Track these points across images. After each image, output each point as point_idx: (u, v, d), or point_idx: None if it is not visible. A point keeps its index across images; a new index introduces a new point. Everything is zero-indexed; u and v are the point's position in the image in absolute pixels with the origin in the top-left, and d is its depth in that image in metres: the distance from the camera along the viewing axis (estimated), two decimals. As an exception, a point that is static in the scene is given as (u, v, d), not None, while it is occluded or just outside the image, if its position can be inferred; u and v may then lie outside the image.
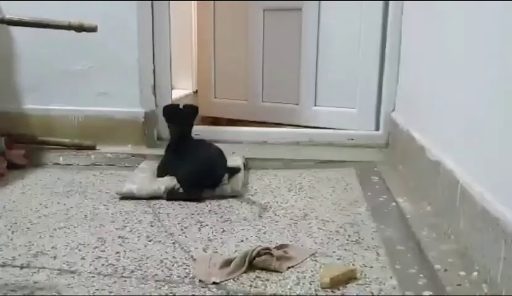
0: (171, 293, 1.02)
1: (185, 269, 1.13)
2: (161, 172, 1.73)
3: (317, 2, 2.39)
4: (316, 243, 1.26)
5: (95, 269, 1.12)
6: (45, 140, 2.10)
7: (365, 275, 1.10)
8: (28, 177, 1.80)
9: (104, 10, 2.03)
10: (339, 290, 1.04)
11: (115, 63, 2.12)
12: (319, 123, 2.43)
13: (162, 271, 1.12)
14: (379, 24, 2.19)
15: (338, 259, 1.18)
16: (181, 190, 1.59)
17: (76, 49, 2.09)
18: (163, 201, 1.56)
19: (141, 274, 1.10)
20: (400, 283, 1.06)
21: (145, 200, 1.56)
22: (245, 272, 1.10)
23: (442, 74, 1.48)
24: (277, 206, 1.53)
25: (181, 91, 3.25)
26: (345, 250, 1.22)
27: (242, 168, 1.82)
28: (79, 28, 1.64)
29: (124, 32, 2.09)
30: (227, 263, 1.12)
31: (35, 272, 1.11)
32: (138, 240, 1.28)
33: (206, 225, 1.38)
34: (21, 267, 1.13)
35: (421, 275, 1.09)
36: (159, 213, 1.47)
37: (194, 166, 1.60)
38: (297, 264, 1.14)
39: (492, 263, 1.00)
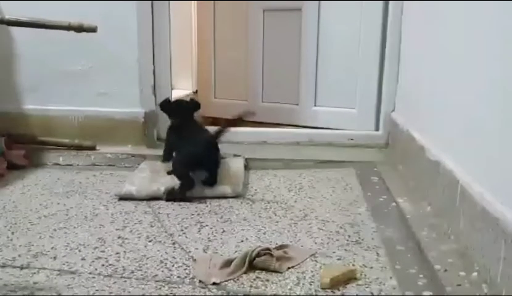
0: (171, 293, 1.02)
1: (185, 269, 1.13)
2: (166, 155, 1.77)
3: (317, 2, 2.39)
4: (316, 243, 1.26)
5: (95, 269, 1.12)
6: (45, 141, 2.10)
7: (365, 275, 1.10)
8: (27, 177, 1.80)
9: (104, 10, 2.04)
10: (339, 290, 1.03)
11: (115, 63, 2.12)
12: (319, 123, 2.43)
13: (162, 271, 1.12)
14: (379, 24, 2.19)
15: (338, 259, 1.18)
16: (177, 186, 1.59)
17: (76, 49, 2.09)
18: (163, 202, 1.56)
19: (141, 275, 1.10)
20: (400, 283, 1.06)
21: (145, 201, 1.56)
22: (245, 272, 1.10)
23: (442, 74, 1.48)
24: (277, 206, 1.53)
25: (181, 91, 3.25)
26: (345, 250, 1.22)
27: (243, 168, 1.82)
28: (79, 29, 1.64)
29: (124, 32, 2.09)
30: (227, 263, 1.12)
31: (35, 273, 1.11)
32: (138, 240, 1.28)
33: (207, 225, 1.38)
34: (21, 268, 1.13)
35: (421, 276, 1.09)
36: (159, 213, 1.47)
37: (189, 147, 1.62)
38: (297, 265, 1.14)
39: (492, 263, 1.00)
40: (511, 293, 0.91)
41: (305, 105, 2.50)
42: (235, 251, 1.21)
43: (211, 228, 1.36)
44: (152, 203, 1.55)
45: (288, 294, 1.02)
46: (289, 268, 1.12)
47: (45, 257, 1.18)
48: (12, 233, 1.32)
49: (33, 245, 1.25)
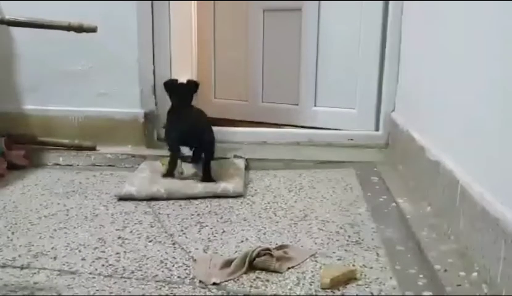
0: (171, 293, 1.02)
1: (185, 269, 1.13)
2: (167, 138, 1.84)
3: (317, 2, 2.39)
4: (316, 243, 1.26)
5: (96, 269, 1.12)
6: (45, 141, 2.10)
7: (365, 275, 1.10)
8: (28, 177, 1.80)
9: (104, 10, 2.03)
10: (339, 290, 1.04)
11: (115, 63, 2.12)
12: (319, 123, 2.43)
13: (162, 271, 1.12)
14: (379, 24, 2.19)
15: (338, 259, 1.18)
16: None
17: (76, 49, 2.09)
18: (163, 202, 1.56)
19: (141, 275, 1.10)
20: (400, 283, 1.06)
21: (145, 201, 1.57)
22: (245, 272, 1.10)
23: (442, 74, 1.48)
24: (277, 206, 1.53)
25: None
26: (345, 250, 1.22)
27: (244, 169, 1.83)
28: (79, 29, 1.64)
29: (124, 32, 2.09)
30: (228, 263, 1.12)
31: (35, 273, 1.11)
32: (138, 240, 1.28)
33: (207, 226, 1.38)
34: (22, 268, 1.13)
35: (421, 276, 1.09)
36: (159, 213, 1.47)
37: (176, 127, 1.75)
38: (297, 265, 1.14)
39: (492, 263, 1.00)
40: (511, 293, 0.91)
41: (305, 105, 2.50)
42: (236, 252, 1.21)
43: (211, 228, 1.36)
44: (152, 203, 1.55)
45: (288, 294, 1.02)
46: (289, 268, 1.12)
47: (45, 257, 1.18)
48: (12, 233, 1.32)
49: (33, 245, 1.25)
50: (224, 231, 1.34)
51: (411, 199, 1.55)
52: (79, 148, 2.08)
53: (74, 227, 1.36)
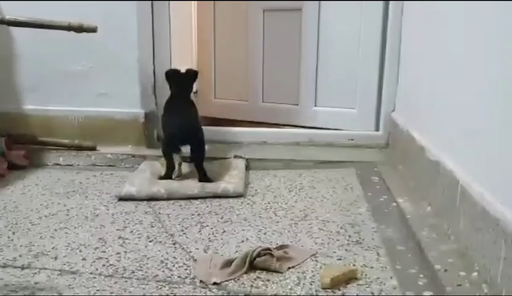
0: (171, 293, 1.02)
1: (186, 269, 1.13)
2: (163, 132, 1.86)
3: (317, 2, 2.39)
4: (316, 243, 1.27)
5: (96, 269, 1.12)
6: (45, 141, 2.10)
7: (365, 275, 1.10)
8: (28, 177, 1.80)
9: (104, 10, 2.03)
10: (340, 290, 1.04)
11: (115, 63, 2.12)
12: (319, 123, 2.43)
13: (163, 271, 1.12)
14: (379, 25, 2.19)
15: (338, 259, 1.18)
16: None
17: (76, 49, 2.09)
18: (164, 202, 1.56)
19: (142, 275, 1.10)
20: (401, 283, 1.06)
21: (145, 201, 1.57)
22: (245, 272, 1.10)
23: (442, 74, 1.48)
24: (277, 206, 1.53)
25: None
26: (346, 250, 1.23)
27: (244, 169, 1.83)
28: (79, 29, 1.64)
29: (124, 32, 2.09)
30: (228, 263, 1.12)
31: (36, 273, 1.11)
32: (139, 240, 1.28)
33: (207, 225, 1.38)
34: (22, 268, 1.13)
35: (421, 276, 1.09)
36: (159, 213, 1.47)
37: (168, 129, 1.78)
38: (297, 265, 1.14)
39: (492, 263, 1.00)
40: (511, 293, 0.91)
41: (305, 105, 2.50)
42: (236, 252, 1.21)
43: (211, 228, 1.36)
44: (152, 203, 1.55)
45: (288, 294, 1.02)
46: (289, 268, 1.12)
47: (46, 257, 1.18)
48: (13, 233, 1.32)
49: (33, 245, 1.25)
50: (224, 231, 1.34)
51: (412, 199, 1.55)
52: (80, 148, 2.08)
53: (75, 227, 1.36)
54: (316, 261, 1.17)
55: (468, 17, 1.28)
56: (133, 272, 1.11)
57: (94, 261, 1.16)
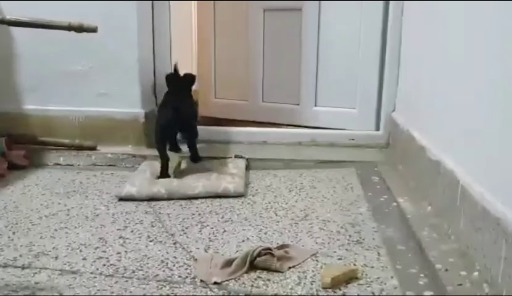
0: (172, 293, 1.02)
1: (186, 269, 1.13)
2: (156, 126, 1.86)
3: (317, 2, 2.39)
4: (317, 243, 1.27)
5: (97, 269, 1.12)
6: (46, 141, 2.10)
7: (366, 275, 1.10)
8: (28, 177, 1.80)
9: (104, 10, 2.03)
10: (340, 290, 1.04)
11: (115, 63, 2.12)
12: (319, 123, 2.43)
13: (163, 271, 1.12)
14: (379, 25, 2.19)
15: (339, 259, 1.18)
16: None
17: (76, 49, 2.09)
18: (164, 202, 1.56)
19: (142, 275, 1.10)
20: (401, 283, 1.06)
21: (146, 201, 1.57)
22: (246, 272, 1.10)
23: (442, 74, 1.49)
24: (278, 206, 1.53)
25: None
26: (346, 250, 1.23)
27: (244, 169, 1.83)
28: (79, 29, 1.64)
29: (124, 32, 2.09)
30: (229, 263, 1.12)
31: (36, 273, 1.11)
32: (139, 240, 1.28)
33: (208, 225, 1.38)
34: (23, 268, 1.13)
35: (422, 275, 1.09)
36: (160, 213, 1.47)
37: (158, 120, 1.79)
38: (298, 264, 1.14)
39: (493, 263, 1.00)
40: (512, 293, 0.92)
41: (306, 105, 2.50)
42: (237, 251, 1.21)
43: (212, 228, 1.36)
44: (152, 203, 1.55)
45: (289, 294, 1.03)
46: (290, 268, 1.12)
47: (46, 257, 1.18)
48: (13, 233, 1.33)
49: (34, 245, 1.25)
50: (225, 231, 1.34)
51: (412, 199, 1.55)
52: (80, 148, 2.08)
53: (75, 227, 1.37)
54: (317, 260, 1.17)
55: (468, 17, 1.28)
56: (134, 271, 1.11)
57: (94, 261, 1.16)
